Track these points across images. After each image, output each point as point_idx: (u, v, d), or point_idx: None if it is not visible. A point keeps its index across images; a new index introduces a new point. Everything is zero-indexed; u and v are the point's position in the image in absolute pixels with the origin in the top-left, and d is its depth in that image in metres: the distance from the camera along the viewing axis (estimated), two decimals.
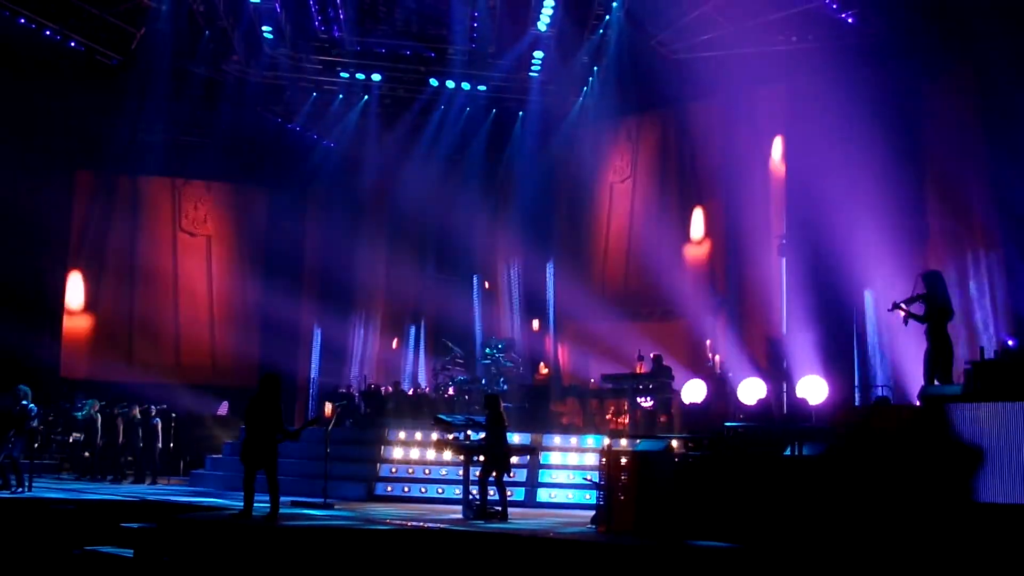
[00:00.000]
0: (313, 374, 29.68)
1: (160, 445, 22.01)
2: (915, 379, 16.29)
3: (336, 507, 16.00)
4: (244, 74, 26.65)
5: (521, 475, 18.15)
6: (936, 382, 13.38)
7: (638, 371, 21.40)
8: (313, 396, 28.90)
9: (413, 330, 29.37)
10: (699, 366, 22.18)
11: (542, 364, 25.09)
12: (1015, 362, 13.10)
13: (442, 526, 13.71)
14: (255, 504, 13.85)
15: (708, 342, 22.85)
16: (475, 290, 28.76)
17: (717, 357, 22.33)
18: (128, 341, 29.53)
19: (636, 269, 26.20)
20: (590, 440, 19.03)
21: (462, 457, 15.67)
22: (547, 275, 27.79)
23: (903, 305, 13.92)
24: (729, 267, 24.23)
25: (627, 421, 20.99)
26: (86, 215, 29.53)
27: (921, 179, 20.24)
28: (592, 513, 14.22)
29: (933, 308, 13.73)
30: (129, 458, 22.01)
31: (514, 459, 16.05)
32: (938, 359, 13.63)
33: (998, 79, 18.75)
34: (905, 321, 14.00)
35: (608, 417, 21.62)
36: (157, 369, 28.46)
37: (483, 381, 22.65)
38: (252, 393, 14.40)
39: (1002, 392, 11.03)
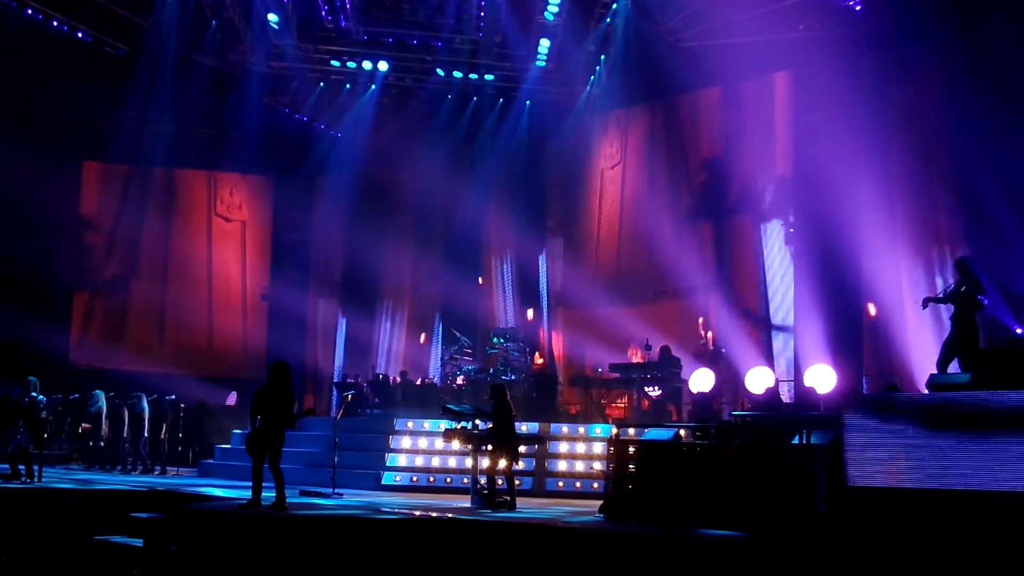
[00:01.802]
0: (338, 363, 29.75)
1: (167, 435, 22.05)
2: (924, 367, 16.28)
3: (344, 496, 16.03)
4: (251, 64, 26.65)
5: (529, 464, 18.17)
6: (958, 368, 13.31)
7: (633, 358, 21.57)
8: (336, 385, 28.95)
9: (418, 318, 29.35)
10: (693, 343, 22.32)
11: (537, 354, 25.15)
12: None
13: (450, 515, 13.73)
14: (264, 493, 13.88)
15: (701, 320, 22.89)
16: (480, 279, 28.72)
17: (710, 334, 22.37)
18: (158, 331, 29.74)
19: (629, 252, 26.11)
20: (598, 429, 19.07)
21: (470, 446, 15.69)
22: (540, 265, 27.73)
23: (935, 298, 14.03)
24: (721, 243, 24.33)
25: (625, 404, 21.17)
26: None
27: (929, 166, 20.20)
28: (600, 502, 14.24)
29: (965, 294, 13.66)
30: (138, 448, 22.03)
31: (522, 448, 16.06)
32: (961, 346, 13.55)
33: (1006, 66, 18.71)
34: (924, 305, 14.08)
35: (607, 402, 21.71)
36: (171, 358, 28.61)
37: (491, 371, 22.65)
38: (260, 383, 14.38)
39: (1011, 380, 10.99)
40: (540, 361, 24.71)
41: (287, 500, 13.81)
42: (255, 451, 13.87)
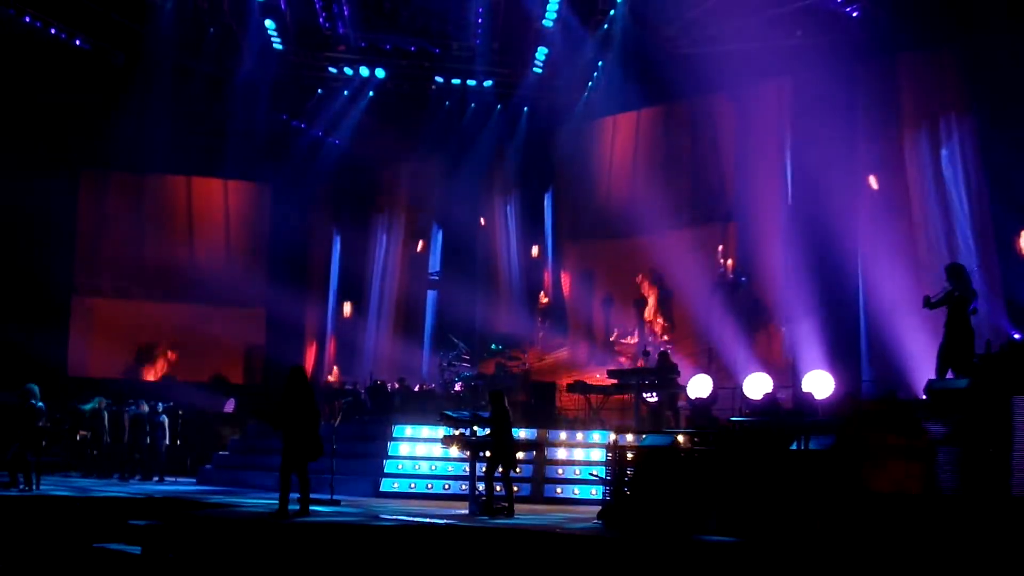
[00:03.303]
0: (323, 370, 29.77)
1: (167, 442, 22.02)
2: (922, 373, 16.26)
3: (342, 503, 16.00)
4: (248, 71, 26.66)
5: (527, 470, 18.15)
6: (951, 373, 13.32)
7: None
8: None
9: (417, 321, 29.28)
10: (711, 273, 22.19)
11: (542, 294, 24.81)
12: (1022, 355, 13.07)
13: (448, 522, 13.71)
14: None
15: (720, 248, 22.60)
16: (479, 284, 28.57)
17: (730, 262, 22.06)
18: (157, 338, 29.83)
19: (643, 179, 25.57)
20: (596, 435, 19.05)
21: (468, 453, 15.66)
22: (546, 201, 27.45)
23: (932, 300, 14.01)
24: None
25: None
26: (95, 213, 29.78)
27: (930, 173, 20.23)
28: (599, 508, 14.23)
29: (956, 298, 13.70)
30: (136, 456, 22.03)
31: (520, 455, 16.03)
32: (956, 351, 13.56)
33: (1002, 72, 18.76)
34: (925, 303, 14.05)
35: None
36: (169, 365, 28.66)
37: (489, 377, 22.58)
38: (259, 389, 14.37)
39: (1009, 386, 10.98)
40: (545, 300, 24.40)
41: (288, 508, 13.78)
42: (291, 460, 13.77)
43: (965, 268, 14.24)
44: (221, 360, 30.03)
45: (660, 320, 23.09)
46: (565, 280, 26.56)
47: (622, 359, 23.79)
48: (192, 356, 29.78)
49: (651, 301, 23.51)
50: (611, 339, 21.58)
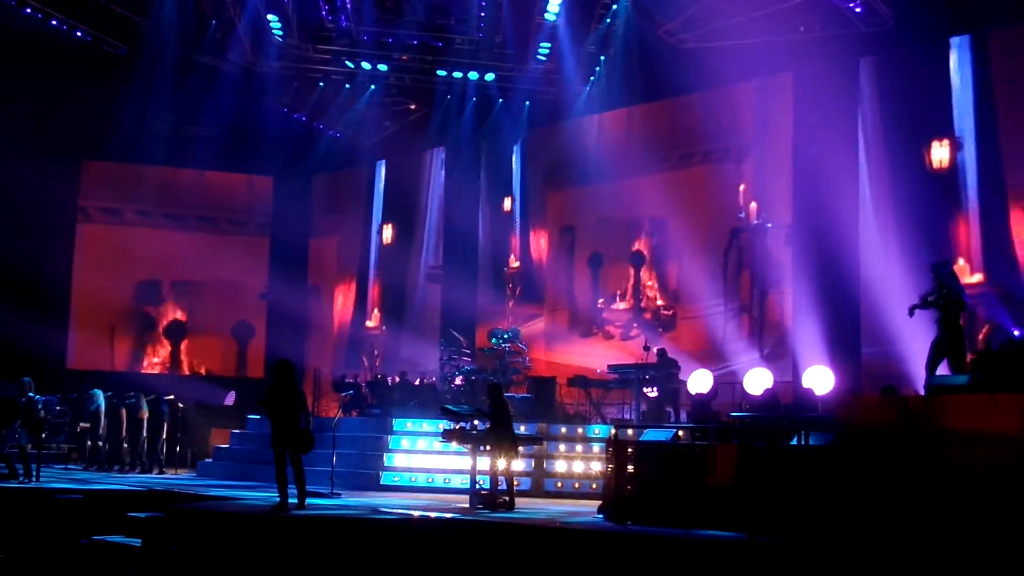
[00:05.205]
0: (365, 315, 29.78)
1: (166, 435, 22.04)
2: (922, 369, 16.27)
3: (343, 497, 16.02)
4: (250, 64, 26.66)
5: (528, 464, 18.17)
6: (945, 372, 13.36)
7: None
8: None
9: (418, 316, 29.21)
10: (730, 216, 21.07)
11: (512, 258, 23.63)
12: (1021, 353, 13.07)
13: (449, 515, 13.73)
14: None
15: (741, 188, 21.37)
16: (478, 278, 28.42)
17: (753, 205, 21.05)
18: (156, 331, 29.89)
19: (643, 111, 23.96)
20: (596, 430, 19.07)
21: (469, 447, 15.67)
22: (515, 153, 26.38)
23: (920, 304, 14.02)
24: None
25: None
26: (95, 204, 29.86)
27: (928, 167, 20.23)
28: (599, 502, 14.24)
29: (946, 297, 13.72)
30: (136, 448, 22.04)
31: (520, 448, 16.05)
32: (948, 349, 13.62)
33: (1006, 65, 18.75)
34: (911, 312, 14.08)
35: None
36: (169, 358, 28.72)
37: (490, 372, 22.52)
38: (262, 383, 14.41)
39: (1008, 382, 10.98)
40: (516, 264, 23.21)
41: (289, 500, 13.79)
42: (279, 448, 13.86)
43: (949, 265, 14.31)
44: (222, 352, 30.10)
45: (654, 283, 22.07)
46: (540, 239, 25.08)
47: (611, 328, 22.92)
48: (193, 348, 29.86)
49: (649, 257, 21.92)
50: (599, 305, 20.58)
